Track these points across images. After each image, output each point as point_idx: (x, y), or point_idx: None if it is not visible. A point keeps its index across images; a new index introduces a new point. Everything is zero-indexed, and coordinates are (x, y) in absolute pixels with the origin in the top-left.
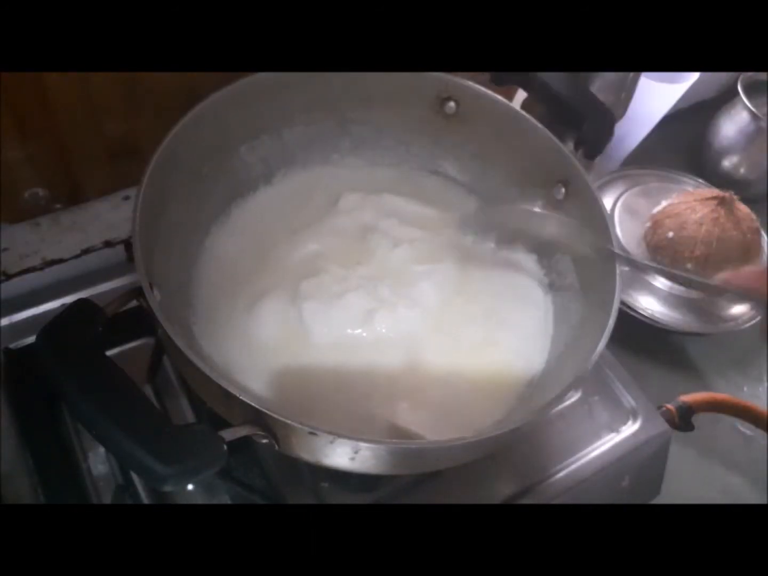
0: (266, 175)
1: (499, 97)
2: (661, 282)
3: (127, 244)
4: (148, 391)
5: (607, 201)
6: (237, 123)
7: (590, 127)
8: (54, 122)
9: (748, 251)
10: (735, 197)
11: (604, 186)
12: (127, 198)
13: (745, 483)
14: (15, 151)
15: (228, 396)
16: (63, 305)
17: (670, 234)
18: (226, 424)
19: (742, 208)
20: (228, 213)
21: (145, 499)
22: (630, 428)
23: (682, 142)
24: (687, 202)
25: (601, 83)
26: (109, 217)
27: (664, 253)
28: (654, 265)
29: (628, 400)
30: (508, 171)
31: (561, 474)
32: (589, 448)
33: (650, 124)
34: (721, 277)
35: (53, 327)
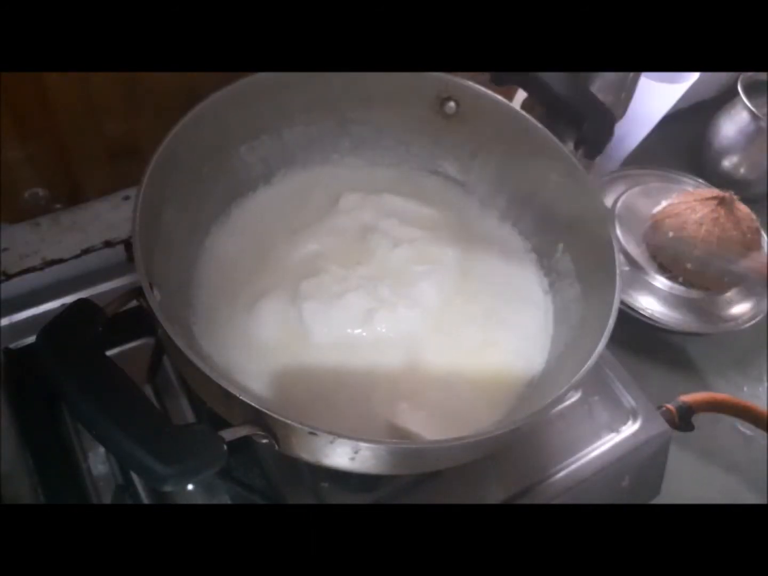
0: (266, 175)
1: (499, 97)
2: (661, 282)
3: (127, 244)
4: (148, 391)
5: (607, 201)
6: (237, 123)
7: (590, 127)
8: (54, 122)
9: (748, 251)
10: (735, 197)
11: (604, 186)
12: (127, 198)
13: (745, 483)
14: (15, 151)
15: (228, 396)
16: (63, 305)
17: (670, 234)
18: (226, 424)
19: (742, 208)
20: (228, 213)
21: (145, 499)
22: (630, 428)
23: (682, 142)
24: (687, 202)
25: (601, 83)
26: (109, 217)
27: (664, 253)
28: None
29: (628, 400)
30: (507, 171)
31: (561, 474)
32: (589, 448)
33: (650, 124)
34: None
35: (53, 327)
